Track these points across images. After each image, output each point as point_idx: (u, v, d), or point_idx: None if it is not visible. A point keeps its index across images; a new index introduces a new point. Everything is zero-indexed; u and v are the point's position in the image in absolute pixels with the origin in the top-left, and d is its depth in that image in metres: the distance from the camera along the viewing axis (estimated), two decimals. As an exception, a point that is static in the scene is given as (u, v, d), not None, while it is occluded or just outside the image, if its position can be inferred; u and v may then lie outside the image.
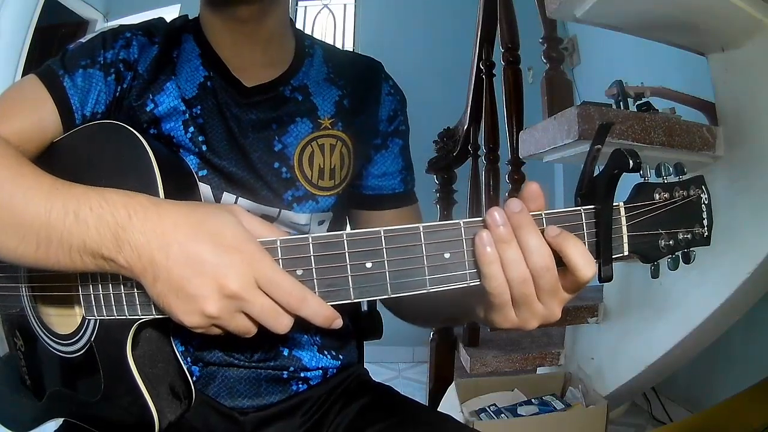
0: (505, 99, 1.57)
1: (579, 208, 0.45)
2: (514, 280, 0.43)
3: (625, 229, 0.46)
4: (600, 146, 0.45)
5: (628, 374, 1.47)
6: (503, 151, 1.65)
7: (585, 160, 0.46)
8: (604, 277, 0.45)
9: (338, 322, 0.45)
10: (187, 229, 0.43)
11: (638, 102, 1.40)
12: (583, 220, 0.45)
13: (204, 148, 0.63)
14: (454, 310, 0.59)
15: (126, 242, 0.43)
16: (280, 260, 0.44)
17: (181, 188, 0.56)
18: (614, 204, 0.45)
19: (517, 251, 0.43)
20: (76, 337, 0.57)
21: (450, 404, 1.57)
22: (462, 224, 0.44)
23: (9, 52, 2.49)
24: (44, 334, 0.61)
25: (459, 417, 1.43)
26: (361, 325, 0.83)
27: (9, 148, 0.52)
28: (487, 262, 0.43)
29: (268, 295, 0.43)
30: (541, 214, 0.44)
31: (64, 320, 0.59)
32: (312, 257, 0.44)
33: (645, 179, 0.47)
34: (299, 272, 0.44)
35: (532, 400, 1.56)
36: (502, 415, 1.48)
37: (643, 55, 1.91)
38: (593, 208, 0.45)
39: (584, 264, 0.43)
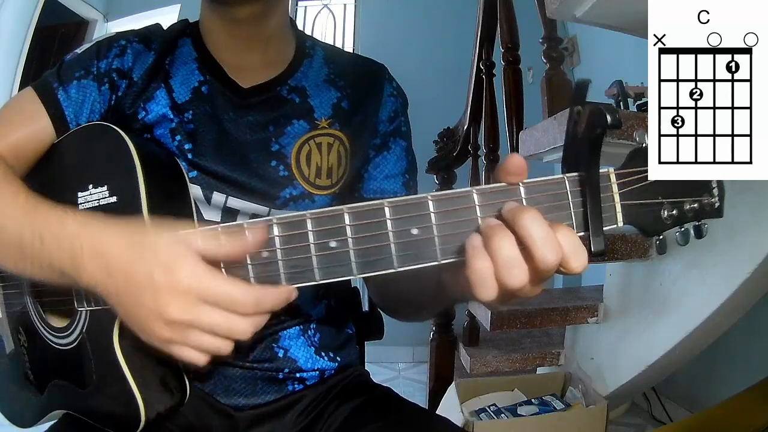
0: (505, 99, 1.58)
1: (562, 175, 0.41)
2: (506, 282, 0.37)
3: (617, 197, 0.41)
4: (579, 107, 0.41)
5: (628, 374, 1.47)
6: (503, 151, 1.65)
7: (566, 124, 0.42)
8: (595, 250, 0.40)
9: (294, 294, 0.43)
10: (127, 260, 0.43)
11: (638, 102, 1.40)
12: (568, 189, 0.40)
13: (190, 156, 0.63)
14: (435, 293, 0.53)
15: (83, 270, 0.45)
16: None
17: (167, 188, 0.57)
18: (603, 170, 0.41)
19: (513, 247, 0.37)
20: (70, 329, 0.58)
21: (450, 404, 1.57)
22: (429, 197, 0.41)
23: (9, 52, 2.50)
24: (43, 327, 0.62)
25: (459, 417, 1.43)
26: (362, 325, 0.83)
27: None
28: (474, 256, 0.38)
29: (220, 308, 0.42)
30: (518, 185, 0.40)
31: (60, 313, 0.61)
32: (276, 238, 0.42)
33: (641, 145, 0.42)
34: (264, 254, 0.43)
35: (532, 400, 1.56)
36: (502, 415, 1.48)
37: (643, 55, 1.90)
38: (578, 175, 0.40)
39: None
